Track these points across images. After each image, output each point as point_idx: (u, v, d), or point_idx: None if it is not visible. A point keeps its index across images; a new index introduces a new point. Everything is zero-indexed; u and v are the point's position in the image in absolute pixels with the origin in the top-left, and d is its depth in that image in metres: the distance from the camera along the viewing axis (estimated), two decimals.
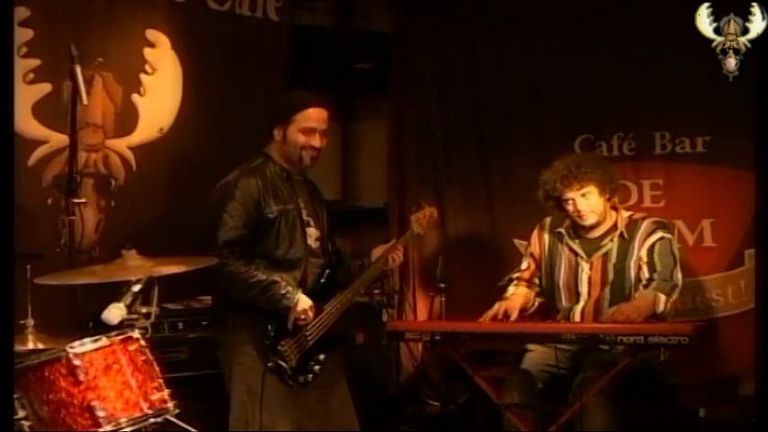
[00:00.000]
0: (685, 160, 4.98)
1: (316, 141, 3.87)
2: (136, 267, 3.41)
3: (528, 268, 4.37)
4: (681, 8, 4.84)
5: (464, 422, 4.89)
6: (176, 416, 3.35)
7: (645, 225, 4.14)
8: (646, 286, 4.07)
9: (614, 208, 4.23)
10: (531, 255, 4.37)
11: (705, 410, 4.26)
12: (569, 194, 4.10)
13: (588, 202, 4.10)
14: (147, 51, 4.58)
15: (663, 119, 5.03)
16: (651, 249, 4.09)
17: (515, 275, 4.40)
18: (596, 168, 4.12)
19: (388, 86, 5.75)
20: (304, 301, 3.77)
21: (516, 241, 5.32)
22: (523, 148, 5.37)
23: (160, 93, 4.63)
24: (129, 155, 4.54)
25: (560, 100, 5.30)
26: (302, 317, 3.76)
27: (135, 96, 4.55)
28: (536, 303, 4.35)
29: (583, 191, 4.08)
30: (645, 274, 4.09)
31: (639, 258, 4.11)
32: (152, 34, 4.59)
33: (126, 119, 4.52)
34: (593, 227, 4.17)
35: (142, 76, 4.57)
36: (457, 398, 5.00)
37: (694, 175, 4.95)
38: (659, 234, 4.11)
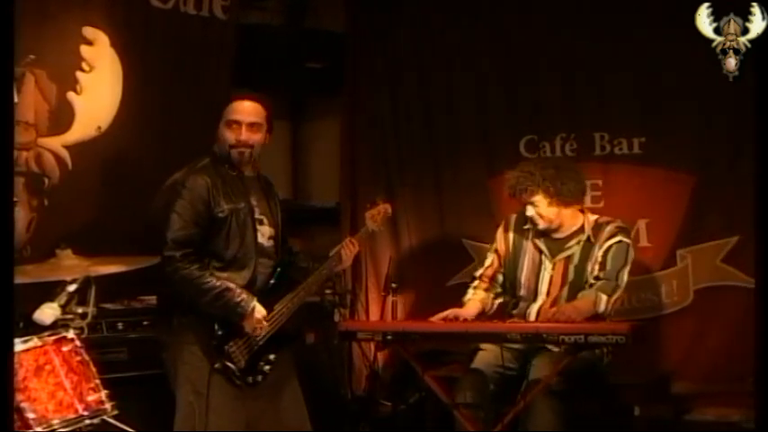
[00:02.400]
0: (623, 161, 5.02)
1: (241, 135, 3.74)
2: (71, 267, 3.38)
3: (491, 265, 4.34)
4: (625, 9, 4.93)
5: (415, 422, 4.87)
6: (116, 416, 3.31)
7: (608, 228, 4.15)
8: (591, 285, 4.08)
9: (582, 211, 4.21)
10: (496, 251, 4.34)
11: (640, 409, 4.30)
12: (521, 203, 4.13)
13: (537, 209, 4.10)
14: (84, 49, 4.50)
15: (602, 120, 5.07)
16: (607, 251, 4.10)
17: (479, 273, 4.36)
18: (537, 176, 4.07)
19: (339, 86, 5.73)
20: (259, 311, 3.70)
21: (465, 240, 5.33)
22: (472, 148, 5.39)
23: (98, 91, 4.55)
24: (65, 153, 4.45)
25: (507, 100, 5.31)
26: (258, 326, 3.69)
27: (71, 94, 4.46)
28: (495, 306, 4.33)
29: (529, 200, 4.08)
30: (594, 272, 4.10)
31: (596, 258, 4.11)
32: (89, 31, 4.51)
33: (61, 117, 4.43)
34: (556, 229, 4.15)
35: (78, 73, 4.49)
36: (408, 398, 4.98)
37: (630, 176, 4.98)
38: (618, 237, 4.12)
